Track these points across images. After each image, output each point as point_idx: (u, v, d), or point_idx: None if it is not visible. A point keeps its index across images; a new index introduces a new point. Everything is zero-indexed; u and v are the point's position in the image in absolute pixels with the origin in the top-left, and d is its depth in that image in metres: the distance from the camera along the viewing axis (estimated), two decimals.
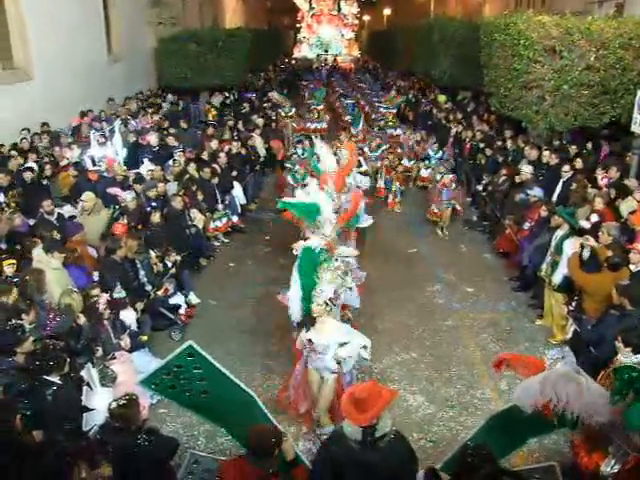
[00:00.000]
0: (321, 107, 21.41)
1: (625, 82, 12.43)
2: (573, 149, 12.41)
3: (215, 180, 12.18)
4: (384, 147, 15.67)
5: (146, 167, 12.02)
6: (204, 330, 8.80)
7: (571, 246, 8.22)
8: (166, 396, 4.64)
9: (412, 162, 15.82)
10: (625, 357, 5.44)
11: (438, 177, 12.88)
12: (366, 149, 15.50)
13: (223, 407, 4.69)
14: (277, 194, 13.42)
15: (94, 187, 10.54)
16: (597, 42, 12.26)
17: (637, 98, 10.99)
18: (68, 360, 5.68)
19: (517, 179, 11.51)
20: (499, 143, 14.37)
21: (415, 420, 6.93)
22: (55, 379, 5.48)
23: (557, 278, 8.46)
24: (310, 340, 6.07)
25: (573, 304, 7.82)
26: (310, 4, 43.68)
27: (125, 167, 12.09)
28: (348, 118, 20.23)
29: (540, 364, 4.84)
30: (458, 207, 12.77)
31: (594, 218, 8.81)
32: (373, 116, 20.32)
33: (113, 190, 10.42)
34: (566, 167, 10.92)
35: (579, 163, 11.27)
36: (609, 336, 6.05)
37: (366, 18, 62.21)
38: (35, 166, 11.36)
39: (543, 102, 12.88)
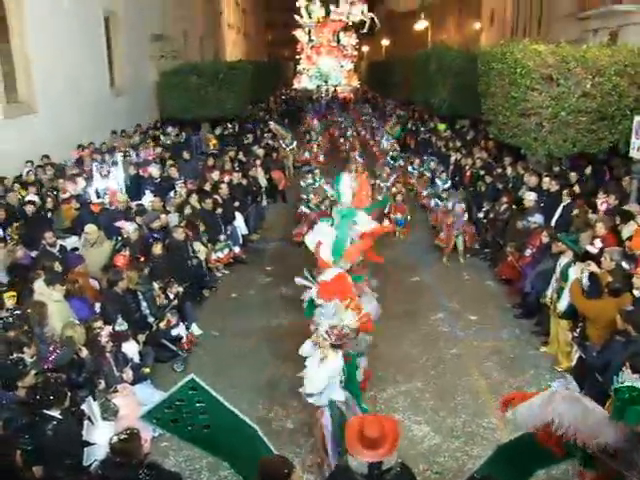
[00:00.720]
0: (321, 139, 21.55)
1: (622, 108, 12.56)
2: (572, 175, 12.44)
3: (218, 211, 12.23)
4: (393, 177, 15.78)
5: (148, 199, 12.08)
6: (206, 361, 8.76)
7: (576, 272, 8.20)
8: (168, 430, 4.59)
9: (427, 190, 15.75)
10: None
11: (449, 205, 12.91)
12: (377, 180, 15.57)
13: (226, 440, 4.63)
14: (293, 225, 13.51)
15: (97, 219, 10.58)
16: (593, 69, 12.41)
17: (634, 124, 11.08)
18: (69, 394, 5.64)
19: (519, 206, 11.52)
20: (499, 170, 14.43)
21: (420, 451, 6.85)
22: (55, 413, 5.43)
23: (562, 305, 8.41)
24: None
25: (577, 331, 7.77)
26: (309, 36, 44.19)
27: (127, 198, 12.15)
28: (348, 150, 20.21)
29: None
30: (467, 238, 12.79)
31: (598, 244, 8.79)
32: (374, 149, 20.35)
33: (119, 223, 10.45)
34: (566, 192, 10.98)
35: (577, 188, 11.32)
36: (615, 363, 5.99)
37: (365, 49, 63.08)
38: (37, 199, 11.42)
39: (541, 129, 12.98)
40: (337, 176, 9.13)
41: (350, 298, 6.33)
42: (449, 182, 15.45)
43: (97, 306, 8.13)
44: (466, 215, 12.81)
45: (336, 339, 5.77)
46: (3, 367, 5.78)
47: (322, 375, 5.77)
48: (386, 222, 12.77)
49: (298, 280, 6.64)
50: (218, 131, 21.90)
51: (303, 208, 13.34)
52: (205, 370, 7.87)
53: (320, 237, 7.33)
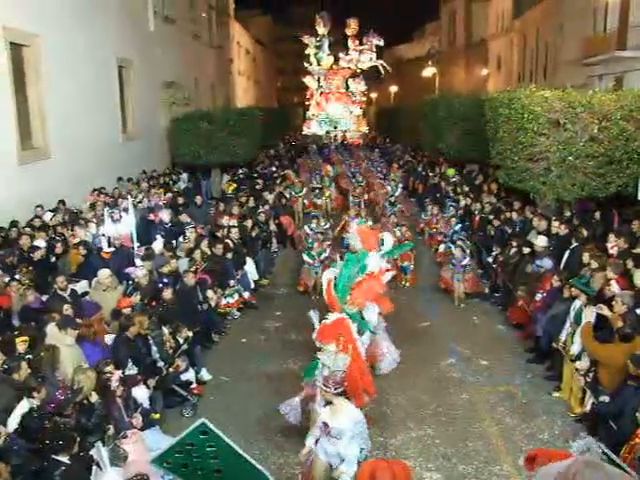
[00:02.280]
0: (331, 188, 21.60)
1: (629, 152, 12.68)
2: (579, 219, 12.50)
3: (229, 255, 12.31)
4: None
5: (159, 244, 12.19)
6: (216, 407, 8.70)
7: (588, 315, 8.17)
8: (178, 475, 4.54)
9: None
10: None
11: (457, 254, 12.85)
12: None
13: None
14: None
15: (107, 265, 10.64)
16: (599, 114, 12.58)
17: None
18: (78, 439, 5.62)
19: (528, 250, 11.53)
20: (507, 214, 14.48)
21: None
22: (64, 459, 5.41)
23: (575, 348, 8.37)
24: (325, 423, 5.87)
25: (590, 376, 7.70)
26: (319, 82, 44.93)
27: (138, 244, 12.25)
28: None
29: (566, 456, 4.64)
30: (466, 284, 12.76)
31: (615, 286, 8.76)
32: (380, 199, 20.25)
33: (129, 269, 10.53)
34: (574, 236, 11.02)
35: (585, 232, 11.34)
36: (628, 409, 5.94)
37: (373, 95, 63.99)
38: (44, 244, 11.51)
39: (550, 173, 13.10)
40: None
41: (345, 342, 6.41)
42: (459, 225, 15.37)
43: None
44: (467, 259, 12.78)
45: (335, 386, 5.77)
46: (27, 418, 5.78)
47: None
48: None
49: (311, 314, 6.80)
50: (227, 177, 22.16)
51: (305, 257, 13.34)
52: (215, 415, 7.80)
53: (331, 275, 7.47)
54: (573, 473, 4.04)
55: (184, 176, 21.06)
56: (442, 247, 15.00)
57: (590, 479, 4.02)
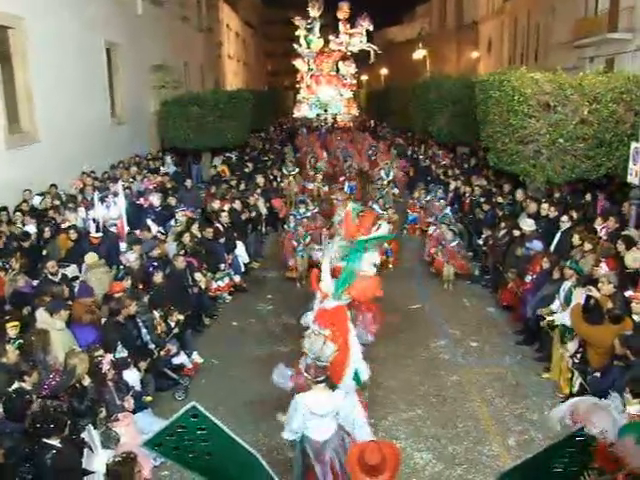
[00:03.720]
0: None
1: (619, 134, 12.68)
2: (571, 201, 12.54)
3: (221, 239, 12.29)
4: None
5: (153, 228, 12.18)
6: (207, 390, 8.74)
7: (578, 296, 8.23)
8: (169, 458, 4.53)
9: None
10: (634, 409, 5.39)
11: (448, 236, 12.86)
12: (375, 206, 15.46)
13: (227, 469, 4.61)
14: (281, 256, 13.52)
15: (96, 250, 10.59)
16: (589, 97, 12.57)
17: (631, 150, 11.20)
18: (69, 422, 5.62)
19: (517, 232, 11.56)
20: (498, 197, 14.50)
21: (422, 479, 6.81)
22: (55, 442, 5.41)
23: (558, 317, 8.53)
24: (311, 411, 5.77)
25: (578, 357, 7.77)
26: (309, 65, 44.70)
27: (129, 228, 12.21)
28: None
29: None
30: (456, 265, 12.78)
31: (604, 267, 8.83)
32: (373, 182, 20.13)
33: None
34: (564, 218, 11.06)
35: (575, 214, 11.40)
36: (615, 388, 5.99)
37: (364, 78, 63.71)
38: (34, 229, 11.43)
39: (540, 156, 13.09)
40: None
41: (341, 333, 6.37)
42: (448, 208, 15.31)
43: None
44: (456, 241, 12.79)
45: (316, 375, 5.75)
46: (8, 399, 5.77)
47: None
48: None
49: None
50: (218, 160, 22.04)
51: (294, 242, 13.31)
52: (206, 398, 7.84)
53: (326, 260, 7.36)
54: (582, 411, 4.11)
55: (168, 159, 20.83)
56: (431, 229, 14.98)
57: (597, 419, 4.09)
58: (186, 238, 11.66)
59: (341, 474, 5.67)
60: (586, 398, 4.53)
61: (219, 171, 20.45)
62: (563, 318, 8.38)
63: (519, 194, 13.74)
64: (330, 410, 5.64)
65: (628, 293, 7.89)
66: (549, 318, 8.84)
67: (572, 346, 7.97)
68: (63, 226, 11.87)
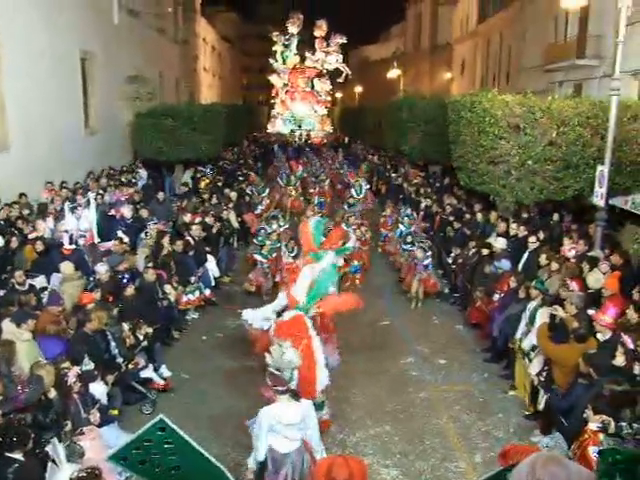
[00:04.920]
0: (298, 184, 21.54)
1: (586, 157, 12.99)
2: (539, 221, 12.77)
3: (191, 252, 12.24)
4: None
5: (124, 240, 12.10)
6: (175, 404, 8.66)
7: (543, 315, 8.37)
8: (135, 472, 4.53)
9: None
10: (595, 426, 5.49)
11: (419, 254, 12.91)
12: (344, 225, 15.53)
13: None
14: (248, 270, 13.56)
15: (67, 260, 10.48)
16: (558, 120, 12.86)
17: (597, 173, 11.48)
18: (32, 435, 5.54)
19: (486, 251, 11.72)
20: (468, 216, 14.70)
21: None
22: (18, 456, 5.33)
23: (526, 344, 8.60)
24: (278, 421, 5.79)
25: (544, 375, 7.88)
26: (284, 81, 44.92)
27: (99, 240, 12.11)
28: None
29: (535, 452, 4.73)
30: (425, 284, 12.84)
31: (574, 286, 9.01)
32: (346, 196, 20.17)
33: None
34: (532, 238, 11.27)
35: (542, 235, 11.62)
36: (579, 406, 6.11)
37: (338, 95, 64.12)
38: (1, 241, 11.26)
39: (509, 176, 13.33)
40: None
41: (302, 339, 6.44)
42: (412, 227, 15.33)
43: None
44: (428, 260, 12.89)
45: (274, 384, 5.80)
46: None
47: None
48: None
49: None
50: (189, 174, 21.97)
51: (257, 255, 13.34)
52: (174, 412, 7.76)
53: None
54: (534, 466, 4.13)
55: (142, 173, 20.70)
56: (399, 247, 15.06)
57: (551, 472, 4.14)
58: (158, 251, 11.62)
59: None
60: (542, 453, 4.50)
61: (190, 184, 20.33)
62: (531, 342, 8.51)
63: (493, 215, 13.87)
64: (297, 421, 5.65)
65: (591, 312, 8.05)
66: (518, 345, 8.93)
67: (537, 364, 8.08)
68: (30, 237, 11.69)
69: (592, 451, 5.46)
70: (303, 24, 43.58)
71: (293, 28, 43.22)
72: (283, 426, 5.63)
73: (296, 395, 5.83)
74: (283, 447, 5.71)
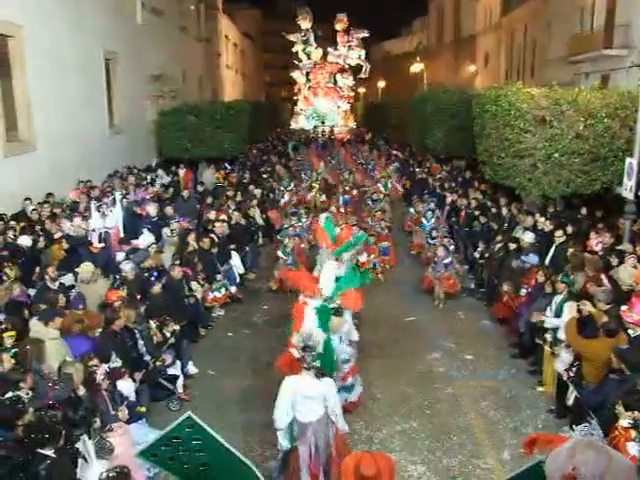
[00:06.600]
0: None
1: (614, 149, 12.80)
2: (566, 215, 12.61)
3: (214, 250, 12.30)
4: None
5: (146, 238, 12.14)
6: (202, 401, 8.72)
7: (570, 310, 8.27)
8: (165, 468, 4.56)
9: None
10: (626, 422, 5.40)
11: (440, 252, 12.72)
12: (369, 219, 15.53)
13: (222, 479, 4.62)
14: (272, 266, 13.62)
15: (95, 259, 10.60)
16: (585, 112, 12.68)
17: (626, 165, 11.28)
18: (63, 432, 5.61)
19: (514, 246, 11.59)
20: (494, 210, 14.57)
21: None
22: (49, 452, 5.38)
23: (549, 321, 8.68)
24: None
25: (573, 370, 7.78)
26: (307, 77, 44.96)
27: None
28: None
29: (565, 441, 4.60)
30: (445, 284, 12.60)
31: (605, 280, 8.89)
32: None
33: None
34: (559, 232, 11.11)
35: (570, 228, 11.46)
36: (610, 401, 6.02)
37: (361, 90, 63.99)
38: (30, 241, 11.39)
39: (535, 170, 13.17)
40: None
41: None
42: (433, 220, 15.23)
43: None
44: (448, 259, 12.64)
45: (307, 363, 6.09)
46: (1, 407, 5.75)
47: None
48: (365, 255, 12.57)
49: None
50: (212, 171, 22.06)
51: (279, 253, 13.36)
52: (201, 409, 7.81)
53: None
54: (577, 458, 4.01)
55: (160, 172, 20.80)
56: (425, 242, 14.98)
57: (591, 462, 4.01)
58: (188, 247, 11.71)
59: (316, 459, 6.06)
60: (582, 438, 4.30)
61: (218, 177, 20.50)
62: (552, 322, 8.50)
63: (514, 208, 13.76)
64: (318, 394, 5.95)
65: (623, 308, 7.92)
66: (540, 319, 8.85)
67: (566, 359, 7.99)
68: (56, 236, 11.83)
69: (630, 446, 5.36)
70: (324, 19, 43.64)
71: (305, 23, 43.28)
72: (302, 398, 5.95)
73: (320, 374, 6.10)
74: (305, 417, 6.05)
